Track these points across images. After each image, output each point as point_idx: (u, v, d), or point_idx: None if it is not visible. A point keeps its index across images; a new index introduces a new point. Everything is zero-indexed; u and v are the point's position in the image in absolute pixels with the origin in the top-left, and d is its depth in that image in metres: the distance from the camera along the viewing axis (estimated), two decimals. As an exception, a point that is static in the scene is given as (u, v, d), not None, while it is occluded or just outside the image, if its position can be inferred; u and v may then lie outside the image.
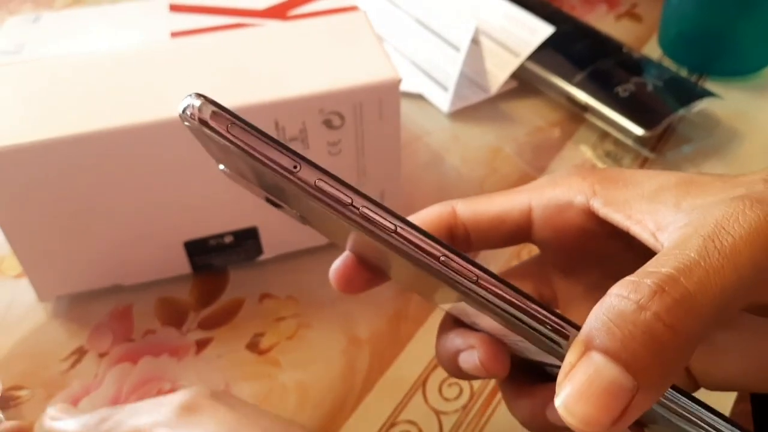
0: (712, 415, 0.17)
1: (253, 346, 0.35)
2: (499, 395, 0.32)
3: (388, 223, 0.17)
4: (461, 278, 0.17)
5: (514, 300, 0.17)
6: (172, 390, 0.33)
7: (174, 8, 0.40)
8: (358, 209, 0.17)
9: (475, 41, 0.47)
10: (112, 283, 0.36)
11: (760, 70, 0.51)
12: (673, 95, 0.46)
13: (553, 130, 0.48)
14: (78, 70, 0.34)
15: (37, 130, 0.31)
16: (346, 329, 0.35)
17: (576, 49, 0.51)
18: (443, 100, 0.49)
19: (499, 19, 0.51)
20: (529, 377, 0.23)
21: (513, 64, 0.49)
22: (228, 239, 0.36)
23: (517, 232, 0.23)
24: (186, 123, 0.17)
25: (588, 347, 0.15)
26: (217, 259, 0.37)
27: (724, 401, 0.31)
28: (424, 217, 0.23)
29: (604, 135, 0.47)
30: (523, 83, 0.51)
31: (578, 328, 0.17)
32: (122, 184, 0.33)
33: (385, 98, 0.34)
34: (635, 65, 0.49)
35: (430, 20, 0.50)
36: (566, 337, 0.17)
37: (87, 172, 0.32)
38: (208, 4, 0.40)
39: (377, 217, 0.17)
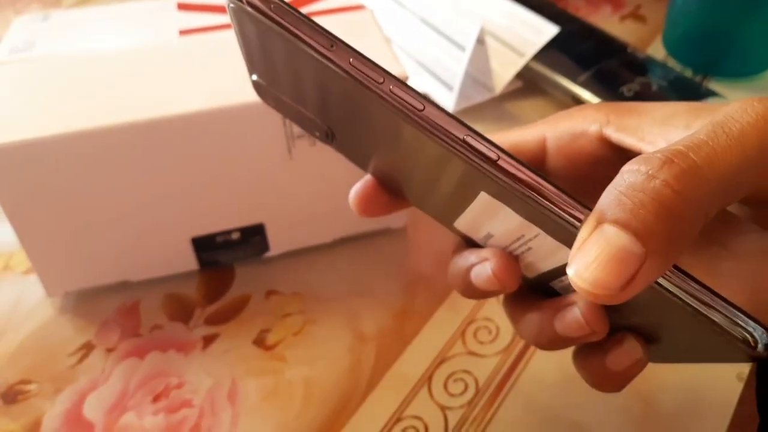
0: (719, 300, 0.17)
1: (259, 342, 0.35)
2: (505, 391, 0.32)
3: (416, 102, 0.18)
4: (484, 157, 0.18)
5: (532, 180, 0.18)
6: (179, 385, 0.33)
7: (182, 7, 0.40)
8: (389, 89, 0.17)
9: (480, 41, 0.47)
10: (119, 279, 0.37)
11: (764, 71, 0.52)
12: (677, 95, 0.46)
13: (557, 129, 0.48)
14: (87, 67, 0.35)
15: (47, 126, 0.31)
16: (352, 325, 0.35)
17: (581, 49, 0.51)
18: (448, 100, 0.49)
19: (504, 19, 0.51)
20: (535, 294, 0.24)
21: (518, 64, 0.49)
22: (235, 236, 0.37)
23: (532, 161, 0.23)
24: (231, 5, 0.17)
25: (600, 221, 0.16)
26: (224, 256, 0.37)
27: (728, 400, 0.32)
28: None
29: (609, 134, 0.47)
30: (527, 83, 0.51)
31: (591, 209, 0.17)
32: (131, 181, 0.33)
33: (391, 96, 0.34)
34: (640, 65, 0.49)
35: (436, 20, 0.50)
36: (580, 220, 0.17)
37: (96, 168, 0.32)
38: (217, 2, 0.40)
39: (405, 96, 0.18)
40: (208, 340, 0.35)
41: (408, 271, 0.38)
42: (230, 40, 0.36)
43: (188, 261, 0.37)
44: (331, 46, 0.17)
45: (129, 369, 0.34)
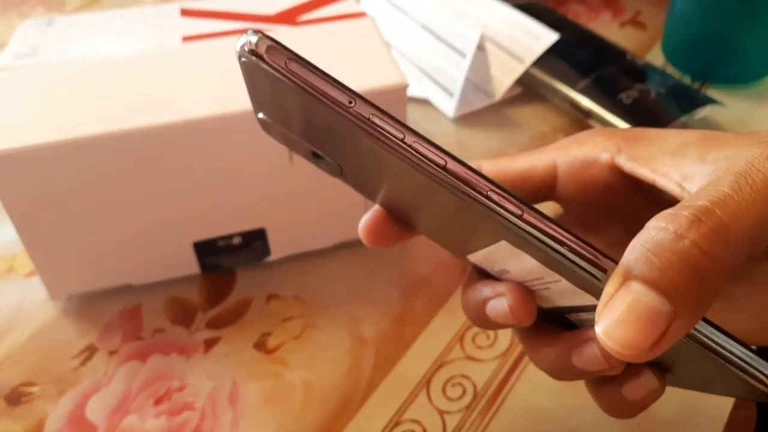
0: (741, 347, 0.18)
1: (260, 346, 0.35)
2: (502, 395, 0.33)
3: (438, 158, 0.18)
4: (508, 213, 0.18)
5: (557, 234, 0.18)
6: (181, 388, 0.33)
7: (185, 13, 0.40)
8: (409, 144, 0.18)
9: (480, 47, 0.48)
10: (122, 282, 0.37)
11: (762, 78, 0.52)
12: (676, 102, 0.47)
13: (557, 135, 0.49)
14: (92, 72, 0.35)
15: (51, 131, 0.31)
16: (352, 329, 0.36)
17: (580, 56, 0.51)
18: (448, 105, 0.50)
19: (504, 25, 0.51)
20: (551, 327, 0.23)
21: (518, 71, 0.49)
22: (236, 240, 0.37)
23: (542, 189, 0.23)
24: (243, 59, 0.17)
25: (627, 277, 0.16)
26: (226, 260, 0.38)
27: (723, 407, 0.32)
28: None
29: (608, 141, 0.47)
30: (527, 89, 0.52)
31: (616, 261, 0.17)
32: (134, 185, 0.33)
33: (392, 102, 0.34)
34: (639, 72, 0.49)
35: (437, 26, 0.51)
36: (604, 271, 0.17)
37: (99, 173, 0.32)
38: (219, 9, 0.41)
39: (428, 152, 0.18)
40: (210, 344, 0.35)
41: (407, 276, 0.39)
42: (232, 47, 0.37)
43: (190, 265, 0.37)
44: (350, 102, 0.17)
45: (131, 372, 0.34)
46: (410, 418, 0.32)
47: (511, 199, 0.18)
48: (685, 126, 0.47)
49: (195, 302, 0.37)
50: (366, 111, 0.17)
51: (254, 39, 0.17)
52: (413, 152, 0.18)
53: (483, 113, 0.50)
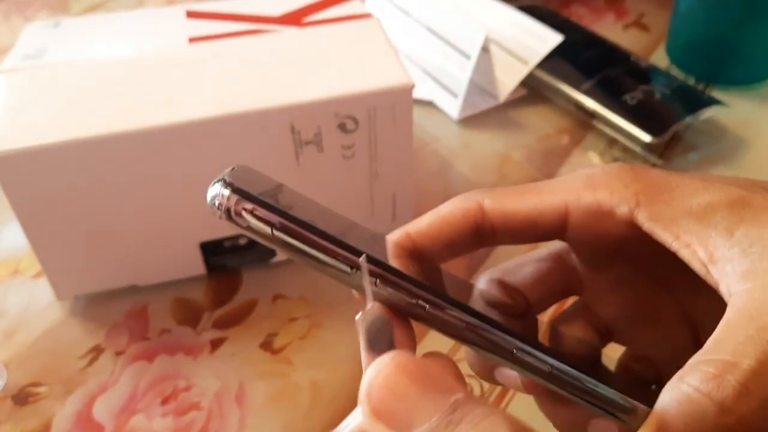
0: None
1: (266, 346, 0.35)
2: (506, 400, 0.33)
3: (458, 321, 0.18)
4: (536, 369, 0.18)
5: (587, 386, 0.18)
6: (187, 388, 0.33)
7: (191, 15, 0.40)
8: (424, 309, 0.17)
9: (484, 49, 0.48)
10: (129, 283, 0.37)
11: (765, 80, 0.52)
12: (680, 103, 0.47)
13: (561, 137, 0.49)
14: (98, 73, 0.35)
15: (59, 131, 0.31)
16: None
17: (584, 58, 0.51)
18: (453, 107, 0.50)
19: (508, 27, 0.51)
20: None
21: (522, 72, 0.49)
22: (242, 241, 0.37)
23: (550, 233, 0.22)
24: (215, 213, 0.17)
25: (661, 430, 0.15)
26: (232, 260, 0.38)
27: None
28: (448, 214, 0.22)
29: (612, 142, 0.48)
30: (531, 91, 0.52)
31: (640, 401, 0.17)
32: (140, 186, 0.33)
33: (398, 103, 0.34)
34: (643, 73, 0.49)
35: (441, 28, 0.51)
36: (631, 412, 0.18)
37: (106, 173, 0.33)
38: (225, 10, 0.41)
39: (445, 316, 0.18)
40: (216, 344, 0.35)
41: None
42: (240, 47, 0.37)
43: (196, 266, 0.37)
44: (353, 269, 0.17)
45: (138, 372, 0.34)
46: (417, 418, 0.32)
47: (538, 356, 0.18)
48: (689, 128, 0.47)
49: (201, 303, 0.37)
50: (372, 274, 0.17)
51: (226, 192, 0.17)
52: (431, 316, 0.18)
53: (487, 115, 0.50)
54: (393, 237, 0.21)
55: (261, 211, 0.17)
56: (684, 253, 0.19)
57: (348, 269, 0.17)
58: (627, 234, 0.20)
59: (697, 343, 0.21)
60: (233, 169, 0.19)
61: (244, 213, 0.17)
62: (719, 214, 0.19)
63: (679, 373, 0.17)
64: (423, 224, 0.21)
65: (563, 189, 0.21)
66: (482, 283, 0.23)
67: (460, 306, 0.18)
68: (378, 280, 0.17)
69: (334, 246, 0.17)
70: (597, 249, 0.22)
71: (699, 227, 0.19)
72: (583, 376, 0.18)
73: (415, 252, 0.21)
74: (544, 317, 0.24)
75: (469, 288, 0.23)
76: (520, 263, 0.24)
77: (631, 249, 0.21)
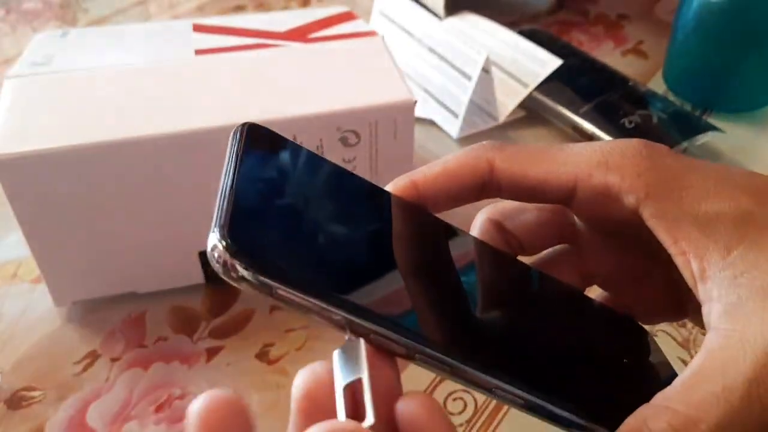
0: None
1: (262, 356, 0.35)
2: (503, 411, 0.33)
3: (442, 368, 0.18)
4: (513, 396, 0.19)
5: (553, 411, 0.19)
6: (182, 396, 0.33)
7: (197, 28, 0.41)
8: (414, 356, 0.18)
9: (485, 71, 0.48)
10: (127, 290, 0.37)
11: (762, 107, 0.53)
12: (677, 128, 0.47)
13: (559, 158, 0.49)
14: (105, 82, 0.36)
15: (62, 137, 0.32)
16: (354, 343, 0.36)
17: (583, 82, 0.52)
18: (453, 126, 0.50)
19: (509, 50, 0.52)
20: None
21: (522, 94, 0.50)
22: (241, 251, 0.37)
23: (555, 200, 0.22)
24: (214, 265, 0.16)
25: None
26: (230, 271, 0.38)
27: None
28: (457, 169, 0.21)
29: (610, 165, 0.48)
30: (531, 112, 0.52)
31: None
32: (142, 193, 0.34)
33: (399, 118, 0.35)
34: (641, 98, 0.50)
35: (443, 49, 0.52)
36: None
37: (108, 180, 0.33)
38: (231, 25, 0.41)
39: (436, 363, 0.18)
40: (212, 353, 0.35)
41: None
42: (245, 60, 0.38)
43: (195, 274, 0.37)
44: (348, 338, 0.17)
45: (133, 379, 0.34)
46: None
47: (514, 392, 0.18)
48: (686, 153, 0.48)
49: (198, 311, 0.37)
50: (362, 333, 0.17)
51: (221, 246, 0.16)
52: (420, 361, 0.18)
53: (487, 135, 0.51)
54: (399, 184, 0.21)
55: (256, 279, 0.16)
56: (679, 260, 0.19)
57: (342, 327, 0.17)
58: (630, 218, 0.20)
59: (679, 308, 0.22)
60: (242, 131, 0.19)
61: (239, 277, 0.16)
62: (723, 226, 0.19)
63: (645, 410, 0.18)
64: (430, 176, 0.21)
65: (576, 162, 0.21)
66: (480, 220, 0.24)
67: (447, 352, 0.18)
68: (371, 335, 0.18)
69: (327, 315, 0.17)
70: (597, 219, 0.22)
71: (700, 236, 0.19)
72: (551, 407, 0.19)
73: (416, 199, 0.21)
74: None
75: (467, 238, 0.23)
76: (520, 208, 0.24)
77: (632, 227, 0.21)
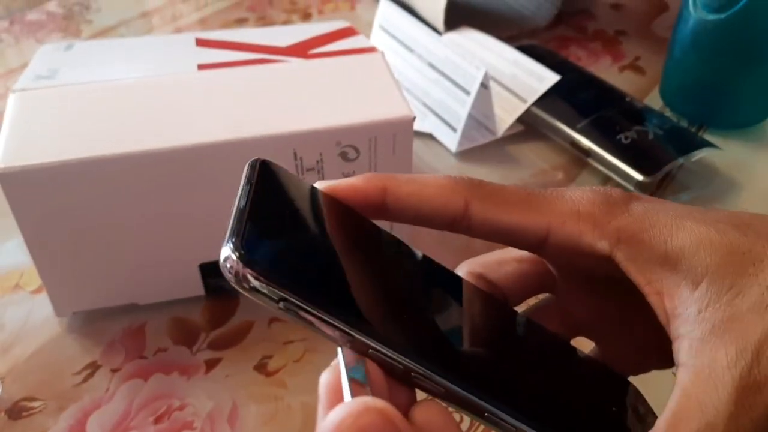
0: None
1: (260, 368, 0.36)
2: (499, 424, 0.33)
3: (437, 387, 0.18)
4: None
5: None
6: (181, 407, 0.34)
7: (200, 43, 0.42)
8: (410, 374, 0.18)
9: (484, 86, 0.49)
10: (127, 301, 0.37)
11: (758, 123, 0.53)
12: (673, 144, 0.48)
13: (556, 173, 0.50)
14: (108, 95, 0.36)
15: (66, 150, 0.32)
16: (352, 355, 0.36)
17: (580, 97, 0.53)
18: (452, 141, 0.51)
19: (508, 65, 0.53)
20: None
21: (520, 109, 0.51)
22: (241, 263, 0.38)
23: (525, 247, 0.22)
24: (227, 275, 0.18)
25: None
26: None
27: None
28: (431, 196, 0.21)
29: (606, 179, 0.49)
30: (529, 127, 0.53)
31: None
32: (144, 206, 0.34)
33: (398, 134, 0.35)
34: (637, 114, 0.51)
35: (442, 64, 0.52)
36: None
37: (110, 192, 0.33)
38: (233, 40, 0.42)
39: (427, 382, 0.18)
40: (211, 365, 0.36)
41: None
42: (247, 75, 0.38)
43: (195, 286, 0.38)
44: (346, 342, 0.18)
45: (132, 390, 0.34)
46: (407, 444, 0.32)
47: (507, 419, 0.19)
48: (682, 168, 0.48)
49: (198, 323, 0.38)
50: (361, 349, 0.18)
51: (233, 257, 0.17)
52: (416, 379, 0.18)
53: (485, 149, 0.51)
54: (370, 180, 0.21)
55: (266, 286, 0.17)
56: (652, 300, 0.20)
57: (344, 340, 0.18)
58: (603, 265, 0.21)
59: (666, 355, 0.22)
60: (256, 167, 0.20)
61: (250, 283, 0.17)
62: (687, 261, 0.19)
63: None
64: (403, 191, 0.21)
65: (550, 210, 0.21)
66: (461, 273, 0.24)
67: (439, 373, 0.19)
68: (370, 350, 0.18)
69: (328, 328, 0.18)
70: (570, 266, 0.23)
71: (669, 274, 0.19)
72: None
73: (379, 204, 0.21)
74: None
75: (458, 279, 0.23)
76: (500, 260, 0.24)
77: (605, 273, 0.21)
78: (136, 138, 0.33)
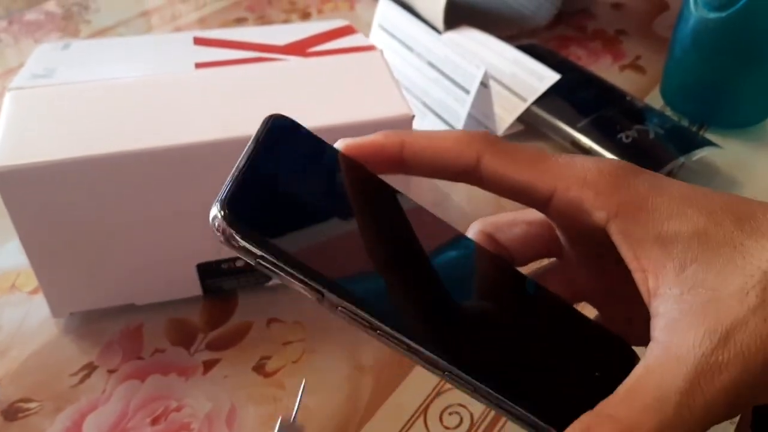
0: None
1: (259, 369, 0.35)
2: (500, 425, 0.33)
3: (404, 347, 0.19)
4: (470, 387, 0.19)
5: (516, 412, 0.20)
6: (178, 408, 0.33)
7: (198, 42, 0.41)
8: (375, 331, 0.19)
9: (484, 85, 0.49)
10: (125, 302, 0.37)
11: (759, 123, 0.53)
12: (674, 143, 0.48)
13: (557, 172, 0.49)
14: (105, 94, 0.36)
15: (62, 149, 0.32)
16: (351, 356, 0.36)
17: (581, 97, 0.52)
18: (451, 140, 0.50)
19: (508, 64, 0.53)
20: None
21: (520, 108, 0.50)
22: (239, 263, 0.37)
23: (531, 204, 0.23)
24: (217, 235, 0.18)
25: None
26: (228, 283, 0.38)
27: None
28: (446, 150, 0.22)
29: (607, 179, 0.48)
30: (529, 127, 0.53)
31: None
32: (141, 206, 0.34)
33: (397, 133, 0.35)
34: (638, 113, 0.51)
35: (442, 63, 0.52)
36: None
37: (107, 192, 0.33)
38: (231, 38, 0.42)
39: (395, 341, 0.19)
40: (209, 365, 0.35)
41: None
42: (245, 73, 0.38)
43: (193, 287, 0.38)
44: (318, 299, 0.19)
45: (129, 391, 0.34)
46: (407, 445, 0.32)
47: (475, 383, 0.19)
48: (683, 168, 0.48)
49: (196, 324, 0.38)
50: (334, 302, 0.19)
51: (219, 216, 0.18)
52: (384, 336, 0.19)
53: (485, 149, 0.51)
54: (389, 137, 0.22)
55: (244, 244, 0.18)
56: (637, 276, 0.20)
57: (316, 299, 0.19)
58: (599, 235, 0.22)
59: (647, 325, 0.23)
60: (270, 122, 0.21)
61: (233, 242, 0.18)
62: (680, 245, 0.20)
63: (588, 417, 0.19)
64: (419, 144, 0.22)
65: (557, 173, 0.22)
66: (473, 231, 0.25)
67: (414, 337, 0.19)
68: (339, 308, 0.19)
69: (302, 280, 0.19)
70: (572, 230, 0.24)
71: (659, 255, 0.20)
72: (511, 405, 0.19)
73: (394, 157, 0.22)
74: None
75: (462, 237, 0.24)
76: (510, 222, 0.26)
77: (602, 244, 0.22)
78: (134, 137, 0.33)
